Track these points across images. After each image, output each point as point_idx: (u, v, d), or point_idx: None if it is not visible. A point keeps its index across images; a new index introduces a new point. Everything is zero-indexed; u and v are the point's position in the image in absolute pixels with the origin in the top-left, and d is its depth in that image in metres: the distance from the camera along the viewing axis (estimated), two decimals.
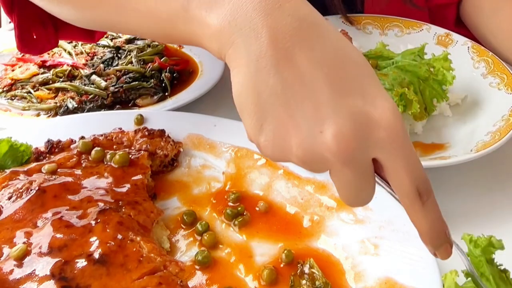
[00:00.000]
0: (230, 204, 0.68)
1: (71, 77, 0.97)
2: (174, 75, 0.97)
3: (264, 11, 0.44)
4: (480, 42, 0.96)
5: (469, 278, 0.51)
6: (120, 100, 0.92)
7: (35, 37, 0.82)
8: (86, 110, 0.89)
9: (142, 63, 1.00)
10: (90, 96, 0.91)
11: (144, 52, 1.03)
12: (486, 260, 0.51)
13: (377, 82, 0.45)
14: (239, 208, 0.66)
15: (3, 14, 2.34)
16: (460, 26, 1.06)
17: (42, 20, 0.79)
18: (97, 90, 0.92)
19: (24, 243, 0.55)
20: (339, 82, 0.43)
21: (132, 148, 0.71)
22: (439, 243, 0.48)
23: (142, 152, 0.70)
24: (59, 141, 0.70)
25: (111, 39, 1.08)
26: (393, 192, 0.47)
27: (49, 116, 0.88)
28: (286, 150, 0.45)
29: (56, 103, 0.90)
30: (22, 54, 1.03)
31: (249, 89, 0.45)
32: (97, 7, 0.59)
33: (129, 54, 1.01)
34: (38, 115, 0.89)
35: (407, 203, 0.46)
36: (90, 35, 0.87)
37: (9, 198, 0.61)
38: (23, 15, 0.79)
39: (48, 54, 1.03)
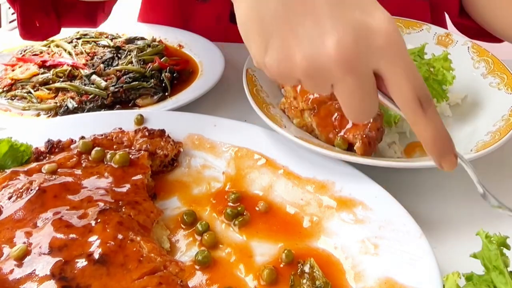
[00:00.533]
0: (230, 204, 0.68)
1: (71, 77, 0.97)
2: (174, 75, 0.97)
3: None
4: (483, 31, 0.96)
5: (470, 282, 0.52)
6: (120, 100, 0.92)
7: (38, 24, 0.83)
8: (86, 110, 0.89)
9: (142, 63, 1.00)
10: (90, 96, 0.91)
11: (144, 52, 1.03)
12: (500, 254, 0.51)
13: None
14: (239, 208, 0.66)
15: (3, 14, 2.34)
16: (464, 16, 1.05)
17: (45, 8, 0.80)
18: (97, 90, 0.92)
19: (24, 243, 0.55)
20: None
21: (132, 148, 0.71)
22: (444, 152, 0.50)
23: (142, 152, 0.70)
24: (59, 141, 0.70)
25: (111, 39, 1.08)
26: (397, 107, 0.49)
27: (49, 116, 0.88)
28: (291, 65, 0.48)
29: (56, 103, 0.90)
30: (22, 54, 1.03)
31: (252, 15, 0.48)
32: None
33: (129, 54, 1.01)
34: (38, 115, 0.89)
35: (409, 113, 0.48)
36: (92, 21, 0.88)
37: (9, 198, 0.61)
38: (26, 3, 0.80)
39: (48, 54, 1.03)
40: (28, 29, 0.83)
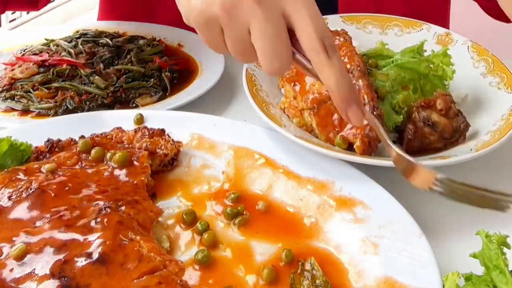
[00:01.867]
0: (230, 203, 0.68)
1: (71, 76, 0.97)
2: (174, 74, 0.97)
3: None
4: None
5: (469, 282, 0.52)
6: (120, 99, 0.92)
7: None
8: (86, 110, 0.89)
9: (142, 62, 1.00)
10: (90, 96, 0.91)
11: (144, 51, 1.03)
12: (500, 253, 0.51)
13: None
14: (239, 208, 0.66)
15: (3, 14, 2.34)
16: None
17: None
18: (97, 89, 0.92)
19: (24, 242, 0.55)
20: None
21: (132, 147, 0.71)
22: (349, 100, 0.53)
23: (142, 151, 0.70)
24: (59, 141, 0.70)
25: (111, 39, 1.08)
26: (309, 62, 0.53)
27: (49, 115, 0.88)
28: (211, 1, 0.53)
29: (56, 102, 0.90)
30: (22, 53, 1.03)
31: None
32: None
33: (129, 54, 1.01)
34: (38, 114, 0.89)
35: (314, 57, 0.52)
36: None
37: (9, 197, 0.61)
38: None
39: (48, 53, 1.03)
40: None
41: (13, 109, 0.90)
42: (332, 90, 0.53)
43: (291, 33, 0.54)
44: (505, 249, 0.52)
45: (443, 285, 0.53)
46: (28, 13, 2.55)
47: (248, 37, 0.53)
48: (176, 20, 1.09)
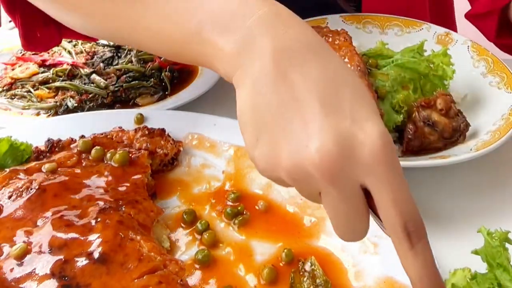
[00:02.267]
0: (230, 203, 0.68)
1: (71, 76, 0.97)
2: (174, 74, 0.97)
3: (271, 37, 0.46)
4: None
5: (473, 280, 0.51)
6: (120, 99, 0.92)
7: (39, 35, 0.82)
8: (86, 109, 0.89)
9: (142, 62, 1.00)
10: (90, 95, 0.91)
11: (144, 51, 1.03)
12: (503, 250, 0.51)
13: (371, 107, 0.44)
14: (239, 207, 0.66)
15: (3, 13, 2.34)
16: (503, 35, 0.96)
17: (45, 20, 0.80)
18: (97, 89, 0.92)
19: (24, 242, 0.55)
20: (330, 101, 0.43)
21: (132, 147, 0.71)
22: None
23: (142, 151, 0.70)
24: (59, 140, 0.70)
25: None
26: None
27: (49, 115, 0.88)
28: (276, 163, 0.45)
29: (56, 102, 0.90)
30: (22, 53, 1.03)
31: (249, 106, 0.46)
32: (108, 21, 0.59)
33: (129, 53, 1.01)
34: (38, 114, 0.89)
35: (396, 243, 0.43)
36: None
37: (9, 197, 0.61)
38: (26, 14, 0.80)
39: (48, 53, 1.03)
40: (30, 40, 0.83)
41: (13, 109, 0.90)
42: (412, 281, 0.44)
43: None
44: (507, 245, 0.52)
45: (446, 280, 0.52)
46: None
47: (319, 198, 0.46)
48: None
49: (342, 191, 0.43)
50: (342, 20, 0.98)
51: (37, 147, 0.70)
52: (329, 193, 0.43)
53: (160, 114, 0.79)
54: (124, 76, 0.96)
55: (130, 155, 0.68)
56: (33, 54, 1.03)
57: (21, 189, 0.61)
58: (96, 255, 0.54)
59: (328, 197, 0.44)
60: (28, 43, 0.83)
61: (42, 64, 1.00)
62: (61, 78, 0.96)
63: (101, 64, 0.99)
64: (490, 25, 0.94)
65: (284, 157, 0.44)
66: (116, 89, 0.93)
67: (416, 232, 0.42)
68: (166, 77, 0.96)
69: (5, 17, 2.51)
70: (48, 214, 0.58)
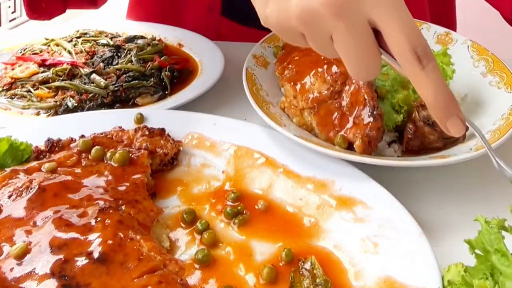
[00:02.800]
0: (230, 203, 0.68)
1: (71, 76, 0.97)
2: (174, 74, 0.97)
3: None
4: None
5: (466, 273, 0.51)
6: (120, 99, 0.92)
7: (43, 6, 0.84)
8: (86, 109, 0.89)
9: (142, 62, 1.00)
10: (90, 95, 0.91)
11: (144, 51, 1.03)
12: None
13: None
14: (239, 207, 0.66)
15: (3, 13, 2.34)
16: None
17: None
18: (97, 89, 0.92)
19: (24, 241, 0.55)
20: None
21: (132, 146, 0.71)
22: (447, 112, 0.48)
23: (142, 150, 0.70)
24: (59, 140, 0.70)
25: (111, 38, 1.08)
26: (398, 63, 0.47)
27: (49, 115, 0.88)
28: (287, 14, 0.48)
29: (56, 102, 0.90)
30: (22, 53, 1.03)
31: None
32: None
33: (129, 53, 1.01)
34: (38, 114, 0.89)
35: (408, 69, 0.46)
36: (93, 2, 0.93)
37: (9, 197, 0.61)
38: None
39: (48, 53, 1.03)
40: (35, 9, 0.84)
41: (13, 109, 0.90)
42: (428, 102, 0.47)
43: (379, 32, 0.48)
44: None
45: (443, 277, 0.52)
46: None
47: (331, 44, 0.48)
48: (200, 19, 1.09)
49: (351, 25, 0.46)
50: None
51: (37, 147, 0.70)
52: (339, 31, 0.46)
53: (160, 114, 0.79)
54: (124, 75, 0.96)
55: (130, 154, 0.68)
56: (33, 54, 1.03)
57: (21, 189, 0.61)
58: (96, 254, 0.54)
59: (339, 35, 0.47)
60: (32, 12, 0.85)
61: (42, 63, 1.00)
62: (61, 78, 0.96)
63: (101, 64, 0.99)
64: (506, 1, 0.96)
65: (294, 4, 0.48)
66: (116, 88, 0.93)
67: (425, 55, 0.46)
68: (166, 76, 0.96)
69: (5, 17, 2.51)
70: (48, 213, 0.58)
